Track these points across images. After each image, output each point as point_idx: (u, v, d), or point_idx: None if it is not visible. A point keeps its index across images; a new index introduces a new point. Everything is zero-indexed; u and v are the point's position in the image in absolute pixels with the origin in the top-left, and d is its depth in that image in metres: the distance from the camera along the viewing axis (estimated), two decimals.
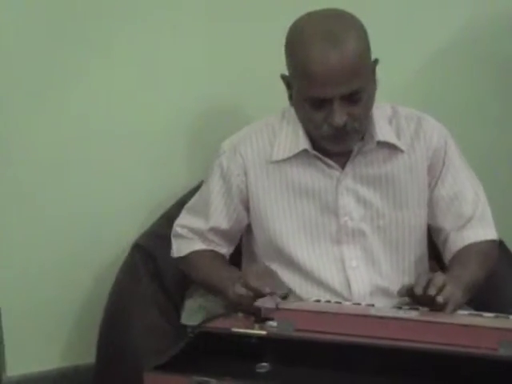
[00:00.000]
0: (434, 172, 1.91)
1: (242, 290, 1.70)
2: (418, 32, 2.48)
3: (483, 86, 2.60)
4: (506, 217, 2.36)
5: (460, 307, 1.72)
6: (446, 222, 1.91)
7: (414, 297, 1.66)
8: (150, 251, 2.18)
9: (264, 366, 1.56)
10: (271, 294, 1.66)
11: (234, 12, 2.33)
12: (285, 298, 1.68)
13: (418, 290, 1.64)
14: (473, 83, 2.59)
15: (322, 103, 1.75)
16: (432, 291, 1.62)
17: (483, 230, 1.90)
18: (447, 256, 1.90)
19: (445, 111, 2.38)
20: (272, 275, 1.80)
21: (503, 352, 1.44)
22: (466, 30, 2.54)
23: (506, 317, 1.57)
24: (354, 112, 1.76)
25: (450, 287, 1.66)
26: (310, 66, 1.72)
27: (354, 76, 1.72)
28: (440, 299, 1.62)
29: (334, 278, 1.88)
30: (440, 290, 1.64)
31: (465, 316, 1.62)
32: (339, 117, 1.74)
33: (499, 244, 2.17)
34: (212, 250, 1.97)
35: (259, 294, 1.66)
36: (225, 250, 1.99)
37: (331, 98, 1.73)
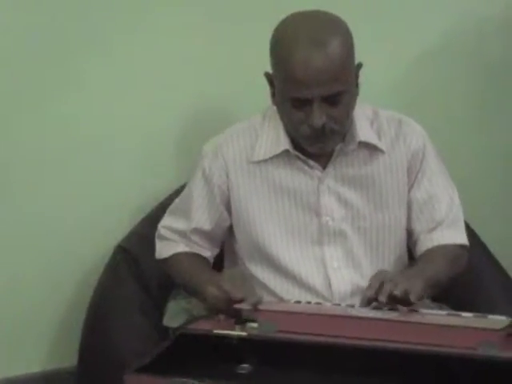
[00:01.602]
0: (412, 174, 1.92)
1: (214, 292, 1.71)
2: (403, 34, 2.49)
3: (469, 88, 2.61)
4: (481, 214, 2.39)
5: (422, 298, 1.73)
6: (418, 225, 1.92)
7: (377, 300, 1.66)
8: (133, 253, 2.18)
9: (245, 368, 1.56)
10: (241, 300, 1.66)
11: (221, 13, 2.33)
12: (255, 306, 1.67)
13: (370, 293, 1.66)
14: (458, 85, 2.60)
15: (302, 103, 1.76)
16: (386, 289, 1.63)
17: (453, 234, 1.91)
18: (417, 257, 1.92)
19: (430, 114, 2.41)
20: (246, 281, 1.78)
21: (482, 352, 1.45)
22: (452, 33, 2.55)
23: (484, 316, 1.58)
24: (334, 114, 1.77)
25: (402, 279, 1.68)
26: (291, 67, 1.74)
27: (335, 79, 1.74)
28: (397, 292, 1.63)
29: (314, 279, 1.89)
30: (395, 284, 1.65)
31: (443, 316, 1.63)
32: (318, 118, 1.76)
33: (479, 245, 2.19)
34: (194, 253, 1.98)
35: (229, 299, 1.67)
36: (207, 252, 1.99)
37: (311, 99, 1.75)
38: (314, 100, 1.74)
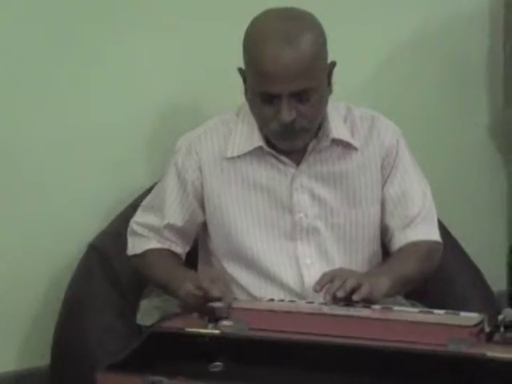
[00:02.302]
0: (385, 171, 1.93)
1: (191, 288, 1.71)
2: (374, 32, 2.50)
3: (438, 85, 2.62)
4: (456, 215, 2.41)
5: (389, 295, 1.76)
6: (393, 221, 1.93)
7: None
8: (106, 252, 2.18)
9: (218, 366, 1.56)
10: (218, 298, 1.66)
11: (196, 12, 2.33)
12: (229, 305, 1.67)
13: (316, 288, 1.68)
14: (432, 82, 2.61)
15: (271, 99, 1.77)
16: (341, 293, 1.65)
17: (426, 230, 1.92)
18: (391, 254, 1.93)
19: (401, 111, 2.42)
20: (224, 281, 1.78)
21: (452, 348, 1.46)
22: (423, 30, 2.57)
23: (455, 313, 1.59)
24: (303, 111, 1.78)
25: (368, 277, 1.71)
26: (261, 62, 1.75)
27: (304, 75, 1.74)
28: (356, 298, 1.64)
29: (287, 275, 1.90)
30: (358, 282, 1.67)
31: (415, 313, 1.63)
32: (287, 114, 1.76)
33: (453, 244, 2.21)
34: (167, 249, 1.97)
35: (207, 296, 1.67)
36: (180, 248, 1.99)
37: (280, 95, 1.75)
38: (282, 96, 1.75)
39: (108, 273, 2.15)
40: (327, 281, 1.69)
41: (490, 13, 2.63)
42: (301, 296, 1.87)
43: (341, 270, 1.78)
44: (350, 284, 1.66)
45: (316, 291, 1.70)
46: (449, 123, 2.63)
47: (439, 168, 2.55)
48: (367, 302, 1.67)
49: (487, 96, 2.66)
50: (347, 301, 1.66)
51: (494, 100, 2.65)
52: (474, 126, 2.67)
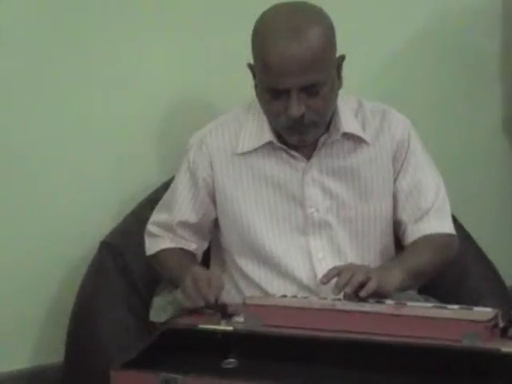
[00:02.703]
0: (397, 164, 1.92)
1: (179, 296, 1.74)
2: (384, 26, 2.50)
3: (450, 79, 2.62)
4: (469, 208, 2.40)
5: (402, 288, 1.75)
6: (405, 214, 1.92)
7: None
8: (119, 249, 2.18)
9: (231, 362, 1.56)
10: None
11: (205, 7, 2.33)
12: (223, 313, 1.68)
13: (323, 280, 1.69)
14: (439, 76, 2.60)
15: (280, 94, 1.76)
16: (349, 288, 1.65)
17: (439, 223, 1.91)
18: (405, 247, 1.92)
19: (413, 105, 2.41)
20: (220, 287, 1.75)
21: (467, 343, 1.46)
22: (433, 24, 2.56)
23: (469, 308, 1.58)
24: (313, 105, 1.77)
25: (378, 271, 1.71)
26: (269, 56, 1.74)
27: (312, 69, 1.74)
28: (363, 294, 1.64)
29: (300, 270, 1.89)
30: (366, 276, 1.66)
31: (429, 308, 1.63)
32: (296, 108, 1.76)
33: (466, 238, 2.20)
34: (180, 248, 1.97)
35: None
36: (194, 245, 1.98)
37: (288, 89, 1.75)
38: (291, 90, 1.75)
39: (121, 270, 2.15)
40: (334, 274, 1.69)
41: (503, 4, 2.62)
42: (313, 291, 1.86)
43: (350, 264, 1.77)
44: (357, 279, 1.66)
45: (323, 283, 1.69)
46: (462, 117, 2.63)
47: (452, 162, 2.54)
48: (378, 296, 1.66)
49: (500, 89, 2.65)
50: (357, 297, 1.65)
51: (507, 93, 2.64)
52: (487, 120, 2.66)
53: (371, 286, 1.65)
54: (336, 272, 1.70)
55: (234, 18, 2.30)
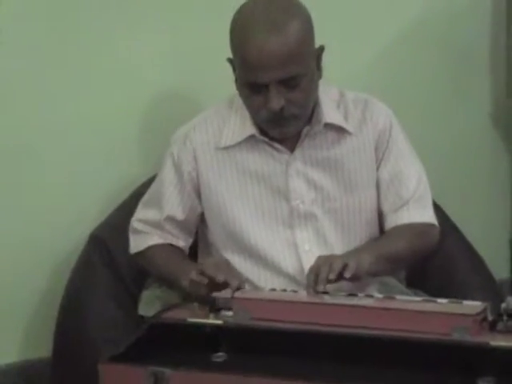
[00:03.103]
0: (379, 153, 1.93)
1: (197, 277, 1.71)
2: (372, 22, 2.50)
3: (438, 74, 2.62)
4: (457, 202, 2.40)
5: (373, 272, 1.77)
6: (386, 204, 1.92)
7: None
8: (107, 243, 2.17)
9: (220, 356, 1.56)
10: (225, 283, 1.66)
11: (185, 4, 2.33)
12: (238, 289, 1.68)
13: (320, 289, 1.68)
14: (427, 71, 2.60)
15: (259, 88, 1.76)
16: (332, 275, 1.66)
17: (419, 212, 1.91)
18: None
19: (403, 99, 2.42)
20: (229, 266, 1.80)
21: (455, 337, 1.46)
22: (424, 17, 2.56)
23: (458, 302, 1.58)
24: (292, 97, 1.77)
25: (347, 254, 1.75)
26: (246, 51, 1.74)
27: (290, 62, 1.73)
28: (347, 275, 1.66)
29: (287, 262, 1.89)
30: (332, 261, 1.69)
31: (418, 302, 1.62)
32: (276, 101, 1.75)
33: (455, 231, 2.20)
34: (169, 244, 1.97)
35: (214, 282, 1.67)
36: (182, 242, 1.98)
37: (267, 83, 1.74)
38: (270, 84, 1.74)
39: (109, 263, 2.15)
40: (315, 277, 1.68)
41: (492, 0, 2.62)
42: (300, 282, 1.86)
43: (320, 258, 1.75)
44: (337, 265, 1.67)
45: (319, 291, 1.67)
46: (451, 111, 2.63)
47: (441, 156, 2.55)
48: (352, 279, 1.68)
49: (489, 84, 2.66)
50: (339, 280, 1.67)
51: (496, 88, 2.64)
52: (477, 115, 2.66)
53: (351, 266, 1.67)
54: (314, 274, 1.68)
55: (218, 14, 2.29)
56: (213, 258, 1.91)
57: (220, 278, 1.67)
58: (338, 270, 1.66)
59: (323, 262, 1.70)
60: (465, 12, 2.59)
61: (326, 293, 1.68)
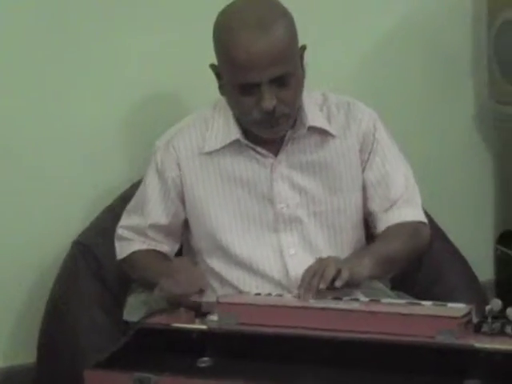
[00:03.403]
0: (364, 156, 1.93)
1: (159, 294, 1.73)
2: (359, 22, 2.50)
3: (422, 76, 2.62)
4: (442, 205, 2.41)
5: (374, 276, 1.78)
6: (375, 205, 1.92)
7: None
8: (91, 248, 2.16)
9: (205, 361, 1.56)
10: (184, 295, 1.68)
11: (170, 9, 2.33)
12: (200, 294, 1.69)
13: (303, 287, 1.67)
14: (414, 72, 2.61)
15: (250, 88, 1.76)
16: (322, 285, 1.65)
17: (409, 212, 1.91)
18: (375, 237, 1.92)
19: (386, 100, 2.42)
20: (190, 272, 1.78)
21: (440, 339, 1.46)
22: (407, 20, 2.56)
23: (443, 305, 1.58)
24: (283, 96, 1.77)
25: (347, 260, 1.74)
26: (236, 52, 1.73)
27: (281, 60, 1.74)
28: (338, 284, 1.65)
29: (272, 267, 1.89)
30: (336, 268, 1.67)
31: (403, 305, 1.63)
32: (269, 101, 1.75)
33: (440, 234, 2.20)
34: (151, 250, 1.97)
35: (173, 297, 1.69)
36: (167, 247, 1.98)
37: (259, 83, 1.74)
38: (262, 84, 1.74)
39: (94, 269, 2.14)
40: (308, 282, 1.67)
41: (473, 2, 2.63)
42: (286, 287, 1.86)
43: (319, 260, 1.74)
44: (329, 273, 1.66)
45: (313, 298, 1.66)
46: (434, 113, 2.63)
47: (425, 158, 2.55)
48: (349, 285, 1.67)
49: (472, 85, 2.66)
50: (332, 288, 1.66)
51: (479, 89, 2.65)
52: (460, 116, 2.67)
53: (344, 275, 1.66)
54: (308, 280, 1.67)
55: (203, 16, 2.29)
56: (175, 264, 1.87)
57: (176, 292, 1.68)
58: (329, 279, 1.65)
59: (318, 267, 1.69)
60: (447, 15, 2.60)
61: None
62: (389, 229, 1.89)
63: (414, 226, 1.91)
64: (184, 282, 1.72)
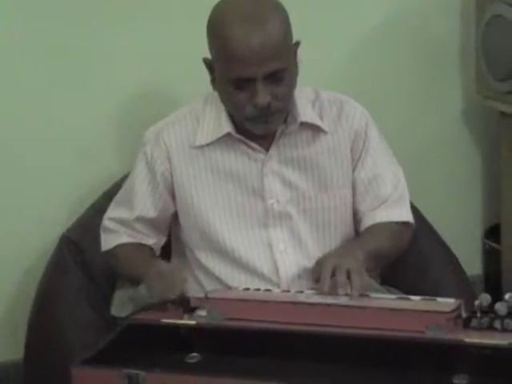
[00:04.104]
0: (355, 154, 1.93)
1: (144, 292, 1.73)
2: (347, 16, 2.49)
3: (413, 69, 2.62)
4: (431, 200, 2.41)
5: (369, 271, 1.77)
6: (364, 204, 1.92)
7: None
8: (78, 243, 2.16)
9: (194, 357, 1.55)
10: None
11: (159, 3, 2.32)
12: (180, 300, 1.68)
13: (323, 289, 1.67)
14: (402, 67, 2.61)
15: (245, 84, 1.75)
16: (341, 291, 1.65)
17: (396, 212, 1.92)
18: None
19: (374, 96, 2.42)
20: (171, 275, 1.76)
21: (430, 334, 1.46)
22: (396, 15, 2.56)
23: (432, 299, 1.58)
24: (278, 92, 1.76)
25: (343, 257, 1.74)
26: (232, 46, 1.72)
27: (276, 55, 1.73)
28: (355, 293, 1.65)
29: (261, 262, 1.88)
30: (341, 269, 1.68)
31: (393, 300, 1.63)
32: (263, 96, 1.74)
33: (428, 229, 2.21)
34: (136, 243, 1.96)
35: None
36: (153, 240, 1.97)
37: (254, 78, 1.73)
38: (257, 79, 1.73)
39: (81, 264, 2.13)
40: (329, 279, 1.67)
41: None
42: (275, 283, 1.86)
43: (325, 264, 1.74)
44: (340, 281, 1.66)
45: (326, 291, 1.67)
46: (422, 108, 2.63)
47: (413, 153, 2.55)
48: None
49: (460, 80, 2.67)
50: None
51: (466, 84, 2.65)
52: (448, 111, 2.67)
53: (356, 283, 1.66)
54: (329, 281, 1.68)
55: (193, 13, 2.28)
56: (161, 267, 1.83)
57: (155, 299, 1.68)
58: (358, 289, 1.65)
59: (340, 272, 1.68)
60: (435, 11, 2.60)
61: (300, 291, 1.69)
62: (375, 225, 1.90)
63: (399, 227, 1.92)
64: (164, 287, 1.70)
